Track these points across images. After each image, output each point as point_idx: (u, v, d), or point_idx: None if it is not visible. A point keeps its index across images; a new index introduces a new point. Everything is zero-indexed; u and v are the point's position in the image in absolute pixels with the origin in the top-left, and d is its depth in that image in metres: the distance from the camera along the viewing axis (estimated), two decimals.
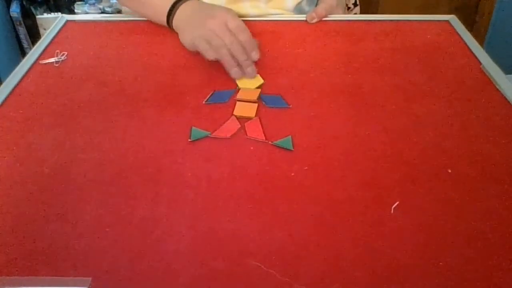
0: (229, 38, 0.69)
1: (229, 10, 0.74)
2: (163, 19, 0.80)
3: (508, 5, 1.80)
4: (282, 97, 0.66)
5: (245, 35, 0.70)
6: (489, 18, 1.86)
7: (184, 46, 0.76)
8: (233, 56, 0.69)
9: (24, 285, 0.42)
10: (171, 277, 0.43)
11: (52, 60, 0.74)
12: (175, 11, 0.78)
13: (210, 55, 0.70)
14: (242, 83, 0.69)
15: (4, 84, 0.68)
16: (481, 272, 0.43)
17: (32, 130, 0.60)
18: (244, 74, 0.70)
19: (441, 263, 0.44)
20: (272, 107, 0.64)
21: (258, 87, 0.69)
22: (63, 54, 0.75)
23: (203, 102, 0.64)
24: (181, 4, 0.78)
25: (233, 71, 0.69)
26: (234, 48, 0.69)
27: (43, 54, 0.75)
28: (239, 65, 0.70)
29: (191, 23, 0.76)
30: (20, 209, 0.49)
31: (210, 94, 0.66)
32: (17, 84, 0.68)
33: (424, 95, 0.66)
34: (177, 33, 0.78)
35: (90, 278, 0.42)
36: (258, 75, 0.71)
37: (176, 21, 0.79)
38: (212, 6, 0.77)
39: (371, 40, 0.79)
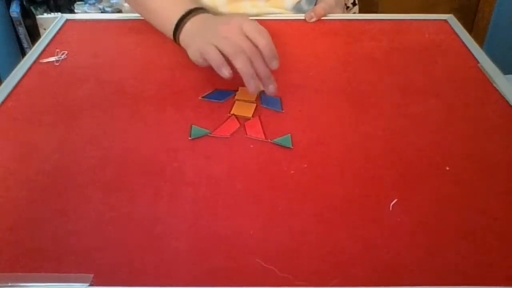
0: (248, 45, 0.60)
1: (245, 17, 0.64)
2: (170, 34, 0.72)
3: (508, 5, 1.80)
4: (281, 100, 0.65)
5: (265, 39, 0.60)
6: (489, 18, 1.86)
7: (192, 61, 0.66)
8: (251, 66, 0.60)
9: (27, 281, 0.42)
10: (171, 273, 0.43)
11: (52, 59, 0.74)
12: (183, 25, 0.69)
13: (222, 70, 0.60)
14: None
15: (4, 83, 0.68)
16: (479, 268, 0.44)
17: (32, 128, 0.60)
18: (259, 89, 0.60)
19: (439, 259, 0.44)
20: (266, 108, 0.64)
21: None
22: (63, 53, 0.75)
23: (199, 97, 0.64)
24: (191, 17, 0.69)
25: (253, 84, 0.60)
26: (254, 57, 0.59)
27: (43, 53, 0.76)
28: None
29: (200, 34, 0.66)
30: (22, 207, 0.50)
31: (210, 92, 0.66)
32: (18, 83, 0.68)
33: (422, 94, 0.67)
34: (185, 51, 0.68)
35: (92, 275, 0.42)
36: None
37: (184, 36, 0.69)
38: (227, 15, 0.66)
39: (370, 40, 0.80)
